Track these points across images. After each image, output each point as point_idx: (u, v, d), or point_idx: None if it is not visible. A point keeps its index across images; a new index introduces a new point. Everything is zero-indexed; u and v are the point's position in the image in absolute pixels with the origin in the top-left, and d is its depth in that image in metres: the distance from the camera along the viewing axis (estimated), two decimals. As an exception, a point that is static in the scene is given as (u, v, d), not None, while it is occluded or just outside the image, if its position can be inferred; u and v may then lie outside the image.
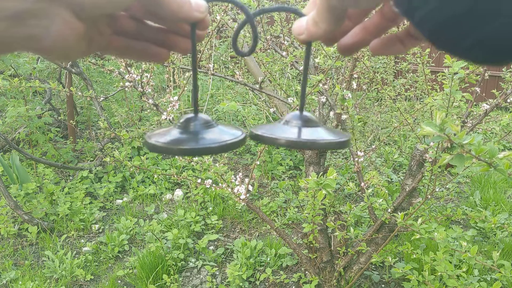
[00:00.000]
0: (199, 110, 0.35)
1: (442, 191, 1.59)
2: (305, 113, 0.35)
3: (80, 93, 1.81)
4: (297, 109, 0.37)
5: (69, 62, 2.96)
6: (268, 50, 1.99)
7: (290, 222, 2.43)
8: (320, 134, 0.34)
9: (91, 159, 3.23)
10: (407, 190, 1.55)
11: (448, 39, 0.24)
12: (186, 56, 3.89)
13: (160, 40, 0.35)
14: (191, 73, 1.62)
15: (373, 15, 0.33)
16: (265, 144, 0.37)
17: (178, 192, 2.83)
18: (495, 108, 1.50)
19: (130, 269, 2.05)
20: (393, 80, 3.05)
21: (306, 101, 1.37)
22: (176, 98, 1.48)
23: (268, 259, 2.09)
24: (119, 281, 2.02)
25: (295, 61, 1.83)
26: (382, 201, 1.62)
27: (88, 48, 0.31)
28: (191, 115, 0.34)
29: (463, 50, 0.25)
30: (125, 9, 0.32)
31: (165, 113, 1.48)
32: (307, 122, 0.34)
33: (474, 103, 1.63)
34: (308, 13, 0.32)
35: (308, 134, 0.33)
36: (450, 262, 1.77)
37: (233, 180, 1.49)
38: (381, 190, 1.55)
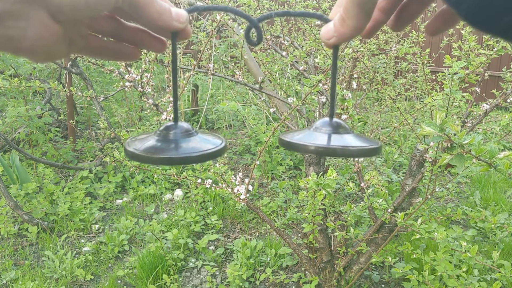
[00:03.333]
0: (179, 118, 0.34)
1: (442, 191, 1.59)
2: (335, 119, 0.35)
3: (80, 93, 1.81)
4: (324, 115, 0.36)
5: (69, 62, 2.96)
6: (268, 50, 1.99)
7: (290, 222, 2.43)
8: (351, 141, 0.33)
9: (91, 159, 3.23)
10: (407, 190, 1.55)
11: (485, 19, 0.24)
12: (186, 56, 3.89)
13: (135, 40, 0.35)
14: (191, 73, 1.61)
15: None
16: (295, 151, 0.37)
17: (178, 192, 2.83)
18: (495, 108, 1.50)
19: (130, 269, 2.05)
20: (393, 80, 3.05)
21: (306, 101, 1.37)
22: (176, 98, 1.47)
23: (268, 259, 2.09)
24: (119, 281, 2.02)
25: (295, 61, 1.83)
26: (382, 201, 1.62)
27: (69, 49, 0.31)
28: (171, 123, 0.33)
29: (500, 30, 0.24)
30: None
31: (165, 113, 1.48)
32: (337, 129, 0.34)
33: (474, 103, 1.63)
34: (333, 17, 0.32)
35: (339, 140, 0.33)
36: (450, 262, 1.77)
37: (233, 180, 1.49)
38: (381, 190, 1.55)
